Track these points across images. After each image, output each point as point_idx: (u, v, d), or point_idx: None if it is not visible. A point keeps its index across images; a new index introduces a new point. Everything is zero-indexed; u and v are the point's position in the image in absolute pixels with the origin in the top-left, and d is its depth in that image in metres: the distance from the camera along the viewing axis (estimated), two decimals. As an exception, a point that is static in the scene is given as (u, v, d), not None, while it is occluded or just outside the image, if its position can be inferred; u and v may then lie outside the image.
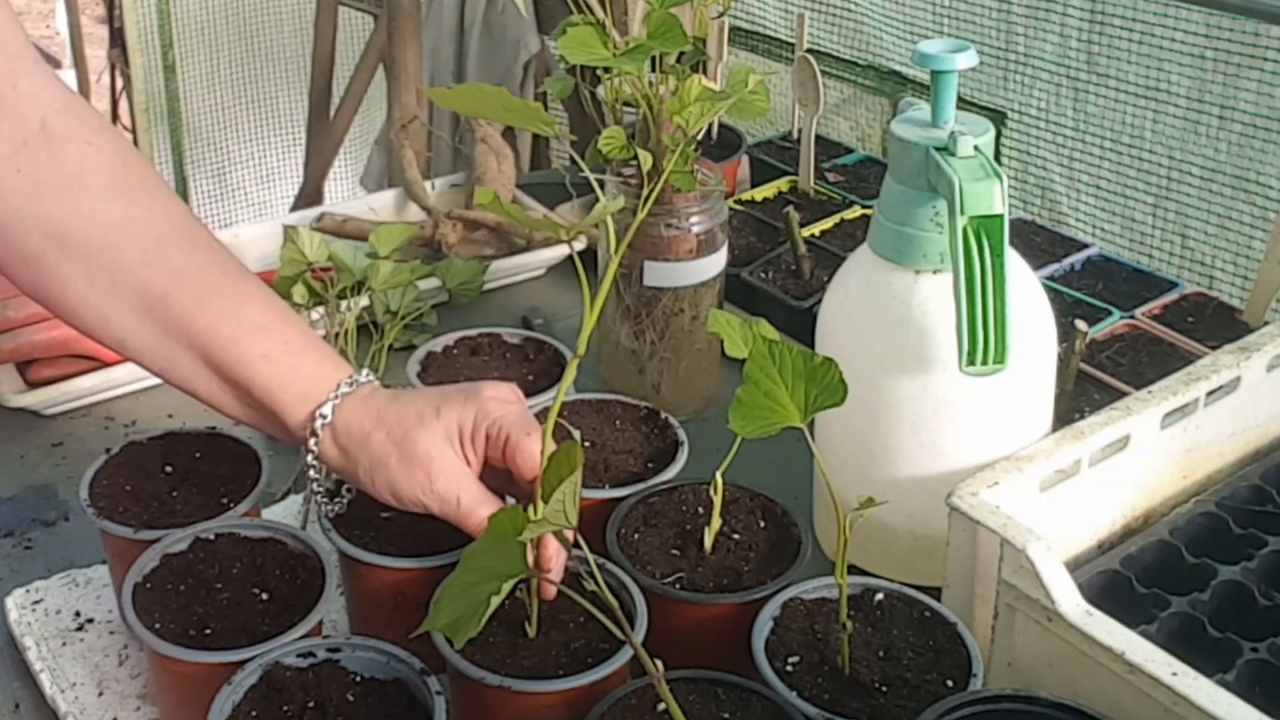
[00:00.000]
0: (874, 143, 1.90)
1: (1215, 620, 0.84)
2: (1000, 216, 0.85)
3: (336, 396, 0.86)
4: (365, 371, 0.89)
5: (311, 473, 0.88)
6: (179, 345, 0.87)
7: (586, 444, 1.01)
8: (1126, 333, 1.22)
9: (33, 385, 1.23)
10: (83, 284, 0.87)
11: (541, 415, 1.04)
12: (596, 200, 1.17)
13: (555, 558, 0.83)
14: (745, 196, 1.51)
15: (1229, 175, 1.57)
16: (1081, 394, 1.12)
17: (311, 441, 0.86)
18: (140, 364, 0.89)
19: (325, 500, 0.90)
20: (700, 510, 0.94)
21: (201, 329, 0.86)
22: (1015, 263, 0.92)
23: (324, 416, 0.86)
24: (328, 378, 0.87)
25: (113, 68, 2.81)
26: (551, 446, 0.79)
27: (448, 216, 1.47)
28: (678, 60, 1.10)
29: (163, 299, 0.86)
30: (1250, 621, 0.84)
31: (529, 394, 1.07)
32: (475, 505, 0.84)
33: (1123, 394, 1.05)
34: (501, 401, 0.86)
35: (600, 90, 1.18)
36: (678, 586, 0.87)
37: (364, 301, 1.29)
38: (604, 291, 0.86)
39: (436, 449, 0.84)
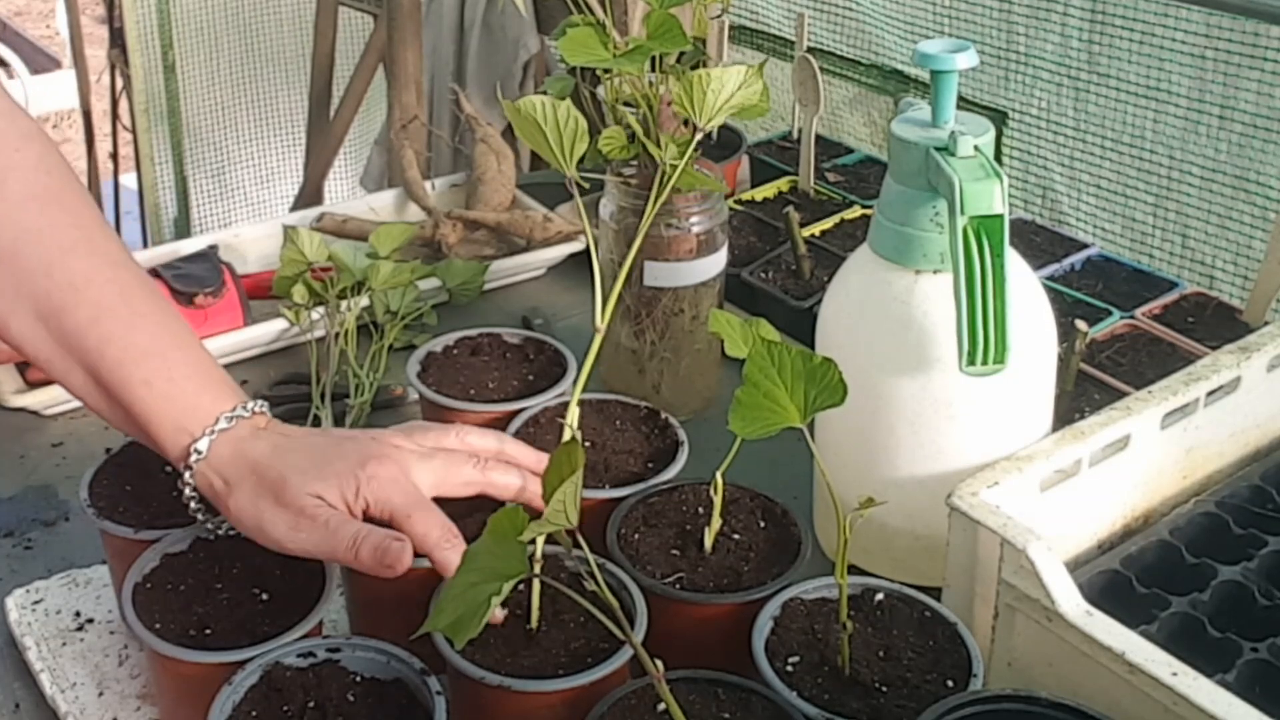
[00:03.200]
0: (882, 139, 1.91)
1: (1215, 620, 0.84)
2: (1000, 216, 0.85)
3: (213, 432, 0.85)
4: (254, 404, 0.88)
5: (192, 505, 0.88)
6: (71, 359, 0.87)
7: (586, 444, 1.01)
8: (1126, 333, 1.22)
9: (33, 385, 1.23)
10: None
11: (544, 414, 1.05)
12: (597, 201, 1.17)
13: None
14: (745, 196, 1.51)
15: (1229, 175, 1.56)
16: (1081, 394, 1.12)
17: (187, 475, 0.86)
18: (41, 369, 0.89)
19: (210, 521, 0.90)
20: (700, 510, 0.94)
21: (90, 347, 0.86)
22: (1015, 263, 0.92)
23: (199, 453, 0.85)
24: (205, 410, 0.86)
25: (113, 68, 2.81)
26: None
27: (448, 216, 1.47)
28: (678, 60, 1.10)
29: (58, 312, 0.86)
30: (1250, 621, 0.84)
31: (529, 394, 1.08)
32: (341, 523, 0.82)
33: (1123, 394, 1.05)
34: (385, 481, 0.84)
35: (600, 90, 1.19)
36: (678, 586, 0.87)
37: (364, 301, 1.29)
38: (615, 293, 0.86)
39: (306, 500, 0.83)
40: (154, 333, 0.88)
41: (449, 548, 0.83)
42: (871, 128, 1.94)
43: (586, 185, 0.93)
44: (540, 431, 1.03)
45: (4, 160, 0.87)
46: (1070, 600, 0.79)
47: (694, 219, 1.13)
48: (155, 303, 0.89)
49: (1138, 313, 1.24)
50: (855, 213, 1.45)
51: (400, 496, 0.84)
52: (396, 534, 0.82)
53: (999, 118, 1.72)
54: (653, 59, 1.04)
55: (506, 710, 0.80)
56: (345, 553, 0.82)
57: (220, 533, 0.90)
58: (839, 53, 1.96)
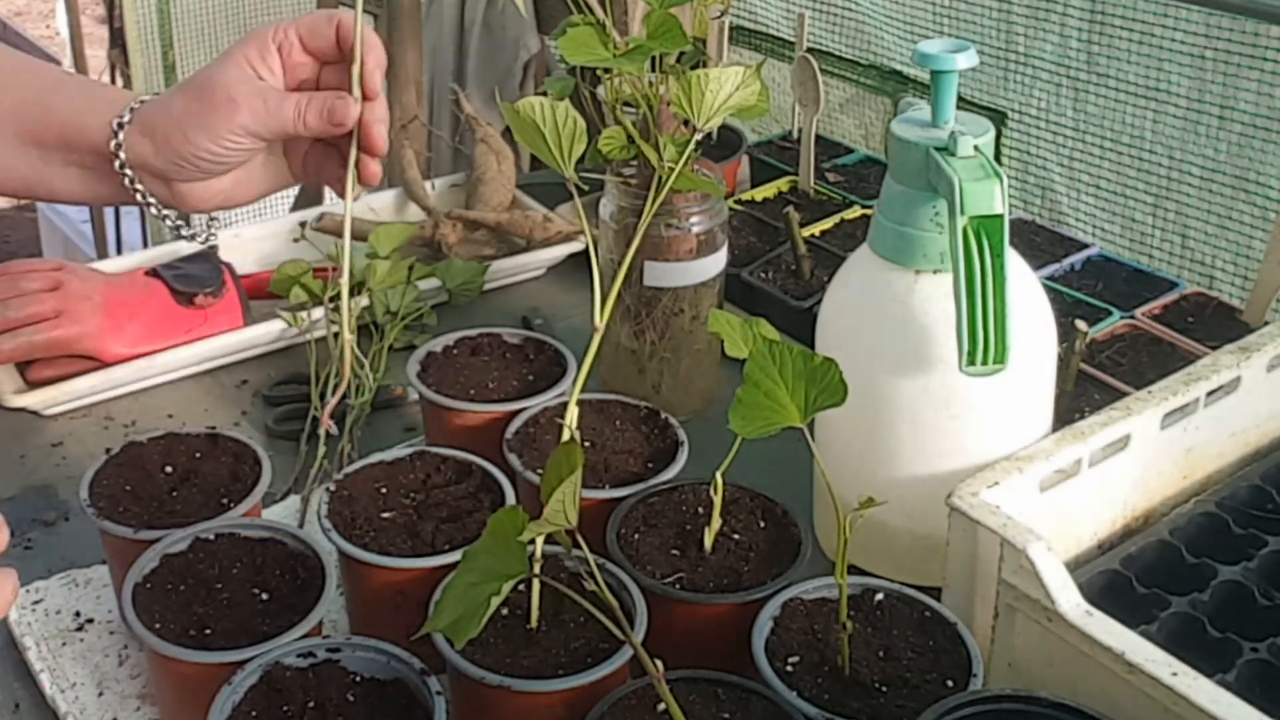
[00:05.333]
0: (877, 141, 1.91)
1: (1215, 620, 0.84)
2: (1000, 216, 0.85)
3: (137, 103, 0.86)
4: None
5: (139, 197, 0.87)
6: None
7: (586, 444, 1.01)
8: (1126, 333, 1.22)
9: (33, 385, 1.23)
10: None
11: (544, 414, 1.04)
12: (597, 201, 1.17)
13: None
14: (745, 196, 1.51)
15: (1229, 175, 1.56)
16: (1081, 394, 1.12)
17: (114, 145, 0.85)
18: None
19: (182, 227, 0.91)
20: (700, 510, 0.94)
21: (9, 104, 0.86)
22: (1015, 263, 0.92)
23: (131, 111, 0.85)
24: (126, 99, 0.87)
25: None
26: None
27: (448, 216, 1.47)
28: (678, 60, 1.10)
29: None
30: (1250, 621, 0.84)
31: (529, 394, 1.08)
32: (281, 100, 0.84)
33: (1123, 394, 1.05)
34: (283, 25, 0.86)
35: (600, 90, 1.18)
36: (678, 586, 0.87)
37: (364, 301, 1.29)
38: (614, 293, 0.86)
39: (232, 75, 0.84)
40: (58, 75, 0.89)
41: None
42: (865, 129, 1.94)
43: (585, 187, 0.93)
44: (540, 431, 1.03)
45: None
46: (1070, 600, 0.79)
47: (694, 219, 1.13)
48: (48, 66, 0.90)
49: (1138, 313, 1.24)
50: (855, 213, 1.45)
51: (304, 20, 0.86)
52: (337, 93, 0.85)
53: (998, 118, 1.72)
54: (653, 59, 1.04)
55: (506, 710, 0.80)
56: (294, 123, 0.84)
57: (205, 241, 0.94)
58: (838, 53, 1.96)
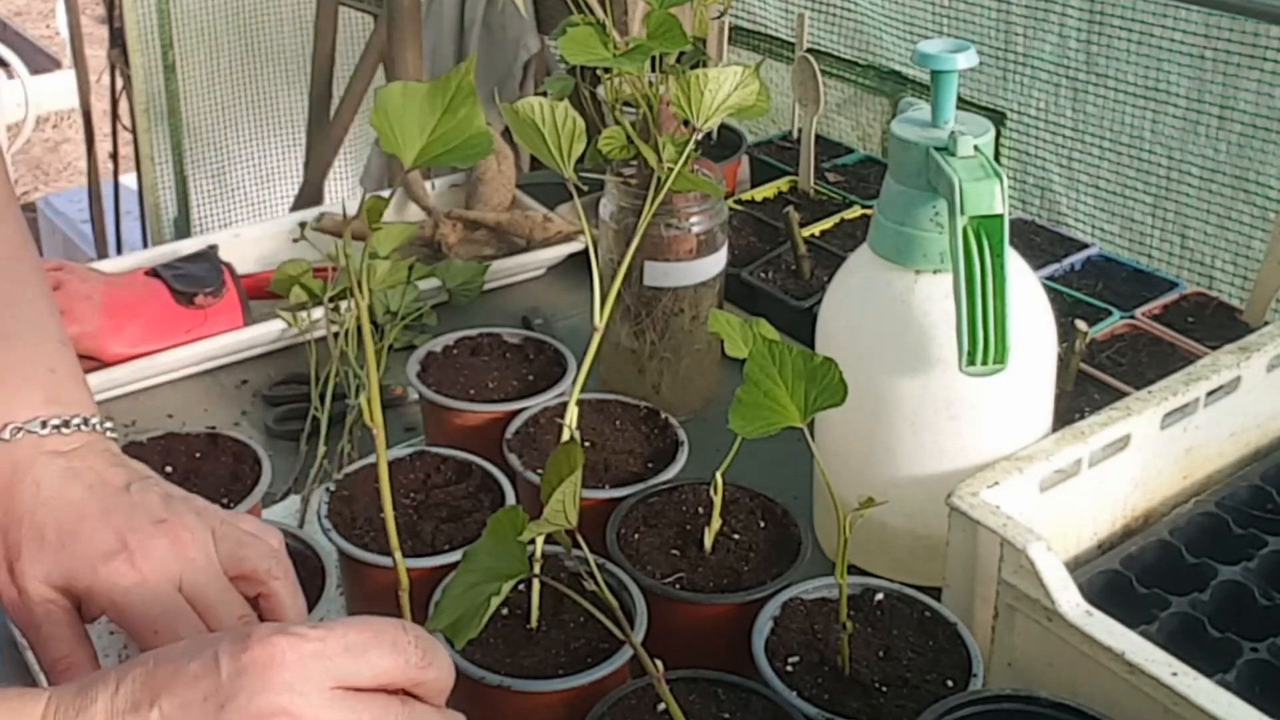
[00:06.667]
0: (874, 143, 1.91)
1: (1215, 620, 0.84)
2: (1000, 216, 0.85)
3: (9, 434, 0.74)
4: (77, 420, 0.76)
5: None
6: None
7: (586, 444, 1.01)
8: (1126, 333, 1.22)
9: (33, 385, 1.22)
10: None
11: (544, 414, 1.04)
12: (597, 201, 1.17)
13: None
14: (745, 196, 1.51)
15: (1229, 175, 1.56)
16: (1081, 394, 1.12)
17: None
18: None
19: None
20: (700, 510, 0.94)
21: None
22: (1015, 263, 0.92)
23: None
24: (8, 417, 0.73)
25: (113, 68, 2.81)
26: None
27: (448, 216, 1.47)
28: (678, 60, 1.10)
29: None
30: (1250, 621, 0.84)
31: (529, 394, 1.08)
32: (53, 639, 0.73)
33: (1123, 394, 1.05)
34: (125, 588, 0.69)
35: (600, 90, 1.18)
36: (678, 586, 0.87)
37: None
38: (614, 292, 0.86)
39: (32, 586, 0.72)
40: None
41: None
42: (861, 131, 1.94)
43: (585, 187, 0.93)
44: (540, 431, 1.03)
45: None
46: (1070, 600, 0.79)
47: (694, 219, 1.13)
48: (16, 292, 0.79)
49: (1138, 313, 1.24)
50: (855, 213, 1.45)
51: (141, 608, 0.70)
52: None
53: (997, 118, 1.72)
54: (653, 59, 1.04)
55: (506, 710, 0.80)
56: (47, 667, 0.71)
57: None
58: (837, 53, 1.96)
